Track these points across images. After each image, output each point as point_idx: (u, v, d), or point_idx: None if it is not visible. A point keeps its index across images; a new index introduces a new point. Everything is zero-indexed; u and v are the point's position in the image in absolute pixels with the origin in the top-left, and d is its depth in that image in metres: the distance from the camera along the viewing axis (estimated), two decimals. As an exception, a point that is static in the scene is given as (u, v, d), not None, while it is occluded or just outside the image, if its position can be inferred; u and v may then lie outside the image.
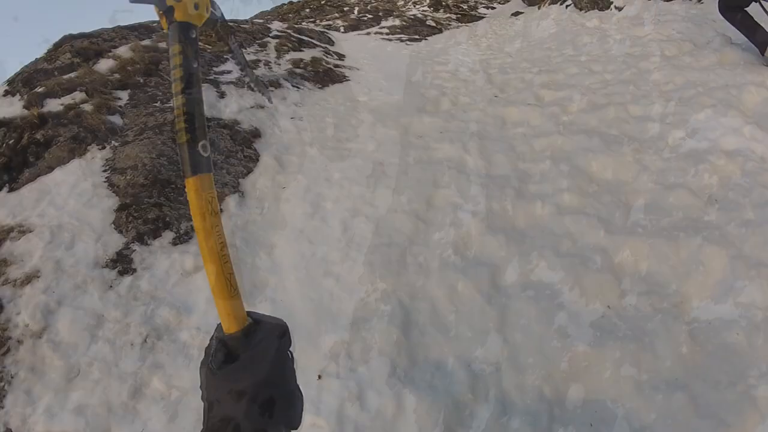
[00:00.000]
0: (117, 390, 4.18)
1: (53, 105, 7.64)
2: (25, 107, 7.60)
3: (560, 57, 11.08)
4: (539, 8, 17.83)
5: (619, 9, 12.77)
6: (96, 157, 6.64)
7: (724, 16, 7.83)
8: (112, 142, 6.96)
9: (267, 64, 10.85)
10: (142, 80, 8.65)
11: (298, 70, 10.87)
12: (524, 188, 6.17)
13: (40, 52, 9.70)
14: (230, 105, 8.42)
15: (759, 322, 3.97)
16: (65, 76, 8.49)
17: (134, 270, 5.20)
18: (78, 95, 7.87)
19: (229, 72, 9.72)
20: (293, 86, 9.87)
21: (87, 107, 7.54)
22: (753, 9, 7.46)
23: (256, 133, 7.96)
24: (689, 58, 8.55)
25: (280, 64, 11.01)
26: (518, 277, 4.93)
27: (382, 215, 6.00)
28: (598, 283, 4.64)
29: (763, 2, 7.14)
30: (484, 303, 4.71)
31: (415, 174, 6.74)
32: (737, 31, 7.88)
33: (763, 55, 7.41)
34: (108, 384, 4.22)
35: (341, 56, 12.56)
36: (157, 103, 8.04)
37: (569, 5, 15.18)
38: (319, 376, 4.26)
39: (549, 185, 6.07)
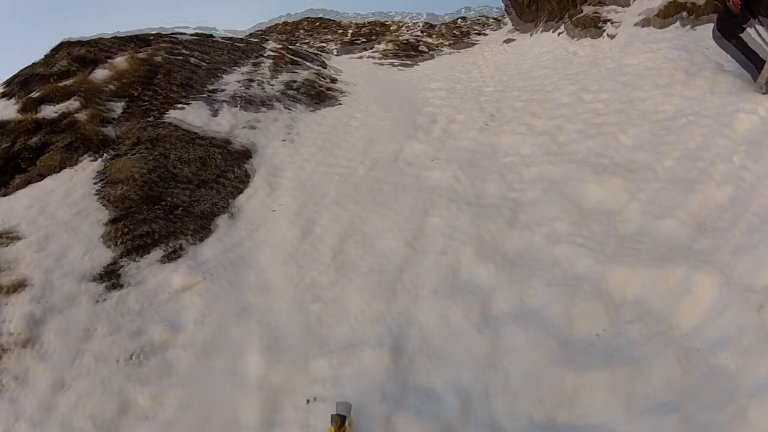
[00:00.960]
0: (103, 406, 4.17)
1: (48, 111, 7.68)
2: (20, 111, 7.59)
3: (551, 85, 11.08)
4: (531, 35, 17.91)
5: (612, 37, 12.69)
6: (88, 168, 6.67)
7: (717, 43, 7.84)
8: (105, 154, 6.96)
9: (260, 84, 10.89)
10: (137, 92, 8.66)
11: (291, 92, 10.99)
12: (514, 217, 6.15)
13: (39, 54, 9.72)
14: (223, 124, 8.45)
15: (746, 346, 3.95)
16: (61, 83, 8.58)
17: (122, 286, 5.21)
18: (73, 104, 7.93)
19: (223, 90, 9.72)
20: (285, 107, 9.97)
21: (81, 116, 7.58)
22: (746, 36, 7.47)
23: (248, 153, 8.06)
24: (680, 87, 8.53)
25: (273, 85, 11.09)
26: (508, 305, 4.89)
27: (372, 241, 5.99)
28: (588, 310, 4.62)
29: (759, 29, 7.18)
30: (473, 330, 4.69)
31: (406, 201, 6.76)
32: (730, 57, 7.89)
33: (755, 81, 7.37)
34: (94, 399, 4.21)
35: (334, 79, 12.63)
36: (150, 117, 8.05)
37: (561, 32, 15.21)
38: (308, 401, 4.22)
39: (539, 214, 6.05)
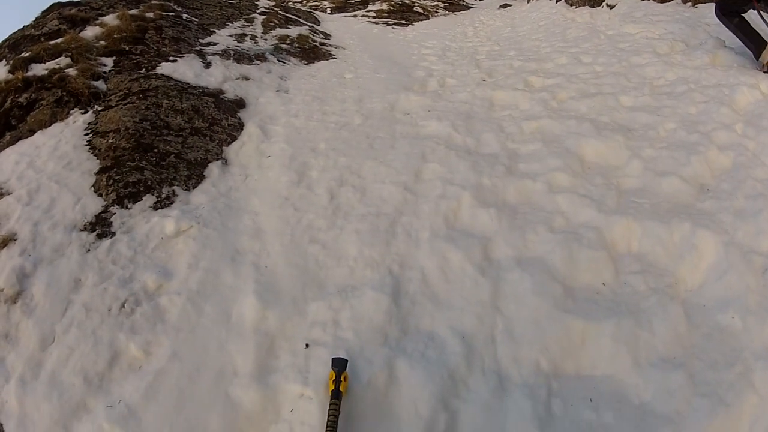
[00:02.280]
0: (93, 358, 4.05)
1: (38, 69, 7.62)
2: (10, 71, 7.51)
3: (549, 48, 11.10)
4: (528, 1, 17.89)
5: (611, 6, 12.74)
6: (78, 120, 6.59)
7: (720, 20, 7.82)
8: (95, 106, 6.85)
9: (254, 38, 10.93)
10: (127, 48, 8.63)
11: (284, 46, 11.06)
12: (514, 166, 6.12)
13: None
14: (216, 75, 8.43)
15: (751, 308, 3.92)
16: (51, 42, 8.54)
17: (113, 233, 5.11)
18: (63, 60, 7.88)
19: (215, 45, 9.68)
20: (279, 60, 9.98)
21: (71, 72, 7.51)
22: (749, 15, 7.51)
23: (241, 103, 8.03)
24: (681, 57, 8.57)
25: (266, 39, 11.16)
26: (511, 250, 4.83)
27: (369, 186, 5.93)
28: (592, 259, 4.58)
29: (762, 12, 7.14)
30: (476, 274, 4.61)
31: (403, 148, 6.71)
32: (732, 35, 7.90)
33: (757, 59, 7.42)
34: (84, 352, 4.09)
35: (327, 35, 12.66)
36: (142, 70, 7.98)
37: (559, 0, 15.11)
38: (307, 345, 4.11)
39: (539, 165, 6.02)
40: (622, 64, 8.81)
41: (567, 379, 3.76)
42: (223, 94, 8.10)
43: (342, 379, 3.61)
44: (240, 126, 7.38)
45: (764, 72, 7.27)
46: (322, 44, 11.80)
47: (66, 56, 7.96)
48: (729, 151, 5.71)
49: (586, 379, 3.72)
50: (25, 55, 8.04)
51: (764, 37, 7.34)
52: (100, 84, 7.43)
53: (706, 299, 4.11)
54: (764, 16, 7.14)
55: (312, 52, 11.20)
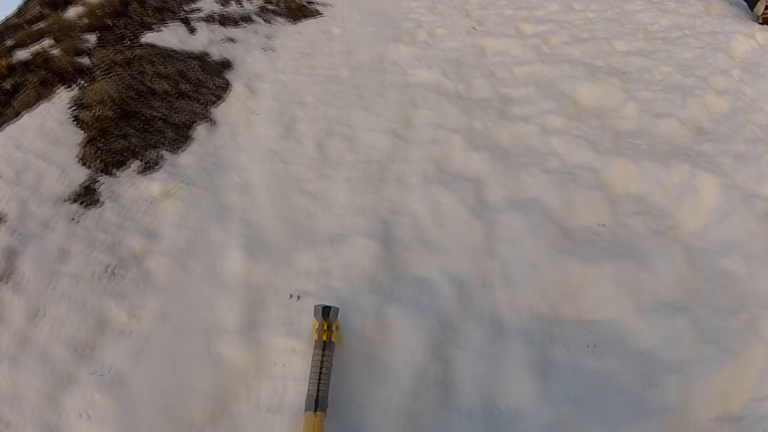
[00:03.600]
0: (82, 327, 3.96)
1: (22, 54, 7.51)
2: (-6, 62, 7.45)
3: None
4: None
5: None
6: (63, 97, 6.49)
7: None
8: (80, 81, 6.78)
9: (239, 1, 10.76)
10: (111, 22, 8.50)
11: (270, 7, 10.89)
12: (507, 110, 6.08)
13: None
14: (201, 39, 8.30)
15: (756, 253, 3.94)
16: (34, 27, 8.42)
17: (100, 202, 5.02)
18: (47, 42, 7.77)
19: (200, 10, 9.59)
20: (265, 21, 9.89)
21: (55, 51, 7.39)
22: None
23: (227, 64, 7.88)
24: (675, 4, 8.67)
25: (251, 2, 10.97)
26: (505, 191, 4.76)
27: (358, 134, 5.85)
28: (589, 199, 4.54)
29: None
30: (469, 216, 4.52)
31: (393, 96, 6.62)
32: None
33: (752, 11, 7.60)
34: (70, 322, 3.99)
35: None
36: (126, 42, 7.87)
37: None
38: (291, 296, 4.02)
39: (533, 108, 5.98)
40: (615, 10, 8.84)
41: (567, 324, 3.69)
42: (209, 56, 7.99)
43: (334, 329, 3.53)
44: (227, 86, 7.28)
45: (759, 23, 7.43)
46: (309, 2, 11.64)
47: (49, 38, 7.92)
48: (727, 95, 5.74)
49: (587, 324, 3.65)
50: (9, 43, 7.98)
51: None
52: (84, 60, 7.35)
53: (709, 243, 4.10)
54: None
55: (299, 10, 11.06)
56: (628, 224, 4.30)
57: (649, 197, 4.54)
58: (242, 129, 6.19)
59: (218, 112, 6.57)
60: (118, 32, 8.19)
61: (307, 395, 3.16)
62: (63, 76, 6.83)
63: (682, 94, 5.77)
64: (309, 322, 3.71)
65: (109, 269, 4.35)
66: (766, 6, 7.39)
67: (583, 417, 3.20)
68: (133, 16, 8.83)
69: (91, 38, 7.90)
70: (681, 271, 3.84)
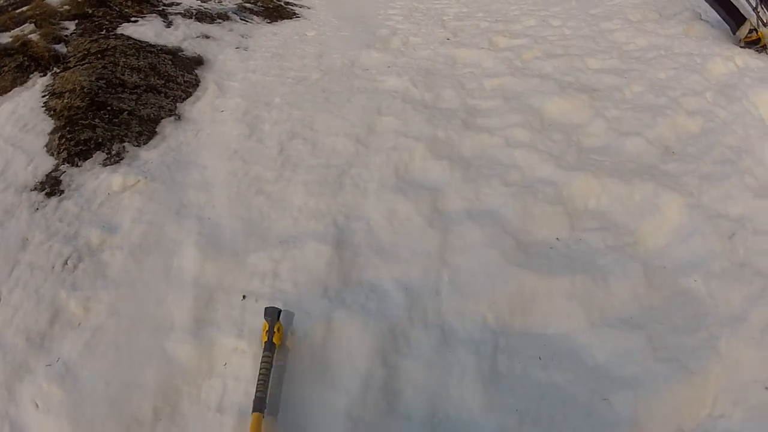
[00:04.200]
0: (36, 317, 3.91)
1: (3, 38, 7.54)
2: (-26, 46, 7.46)
3: (518, 10, 11.03)
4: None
5: None
6: (37, 83, 6.53)
7: None
8: (54, 68, 6.79)
9: None
10: (91, 11, 8.56)
11: (248, 5, 10.96)
12: (472, 121, 6.06)
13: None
14: (176, 34, 8.34)
15: (717, 273, 3.93)
16: (17, 11, 8.45)
17: (62, 191, 5.01)
18: (27, 27, 7.84)
19: (178, 4, 9.63)
20: (242, 19, 9.93)
21: (34, 37, 7.45)
22: None
23: (199, 60, 7.91)
24: (654, 25, 8.65)
25: None
26: (463, 201, 4.75)
27: (321, 138, 5.86)
28: (548, 213, 4.52)
29: None
30: (424, 225, 4.53)
31: (359, 102, 6.61)
32: (710, 9, 7.98)
33: (734, 34, 7.52)
34: (27, 311, 3.95)
35: None
36: (103, 31, 7.92)
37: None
38: (244, 296, 4.00)
39: (498, 120, 5.98)
40: (591, 28, 8.83)
41: (515, 335, 3.66)
42: (182, 51, 8.01)
43: (275, 330, 3.53)
44: (197, 82, 7.29)
45: (741, 47, 7.36)
46: (287, 3, 11.69)
47: (30, 23, 7.93)
48: (698, 116, 5.74)
49: (537, 336, 3.63)
50: (-9, 28, 8.00)
51: (744, 13, 7.40)
52: (60, 47, 7.38)
53: (668, 261, 4.10)
54: None
55: (276, 11, 11.10)
56: (585, 240, 4.29)
57: (609, 214, 4.54)
58: (207, 126, 6.19)
59: (185, 108, 6.56)
60: (97, 21, 8.24)
61: (254, 396, 3.17)
62: (39, 62, 6.88)
63: (652, 113, 5.77)
64: (258, 323, 3.69)
65: (65, 259, 4.33)
66: (750, 29, 7.37)
67: (529, 428, 3.19)
68: (113, 6, 8.92)
69: (71, 26, 8.01)
70: (637, 288, 3.84)
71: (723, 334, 3.49)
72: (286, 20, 10.54)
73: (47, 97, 6.24)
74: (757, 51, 7.32)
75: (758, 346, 3.42)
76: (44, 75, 6.71)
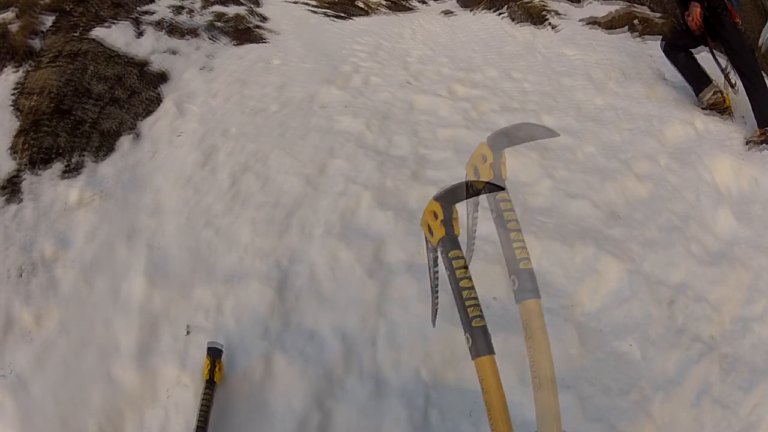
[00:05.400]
0: (-12, 325, 4.02)
1: None
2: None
3: (482, 60, 11.01)
4: (473, 13, 17.78)
5: (554, 28, 12.55)
6: (9, 78, 6.50)
7: (666, 56, 7.83)
8: (28, 65, 6.79)
9: (191, 12, 10.78)
10: (69, 7, 8.52)
11: (219, 24, 10.87)
12: (421, 172, 6.08)
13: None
14: (145, 45, 8.37)
15: (653, 338, 4.00)
16: None
17: (21, 199, 5.04)
18: (9, 15, 7.78)
19: (153, 13, 9.69)
20: (209, 38, 9.91)
21: (14, 27, 7.42)
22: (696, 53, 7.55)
23: (164, 77, 7.95)
24: (615, 85, 8.54)
25: (203, 15, 10.97)
26: (404, 254, 4.77)
27: (273, 175, 5.88)
28: (486, 273, 4.48)
29: (714, 50, 7.28)
30: (364, 275, 4.57)
31: (313, 141, 6.63)
32: (676, 72, 7.89)
33: (697, 96, 7.47)
34: (-21, 319, 4.05)
35: (265, 18, 12.52)
36: (76, 32, 7.90)
37: (504, 15, 15.06)
38: (188, 330, 4.10)
39: (446, 173, 5.93)
40: (552, 84, 8.78)
41: (447, 389, 3.73)
42: (148, 65, 8.02)
43: (216, 369, 3.60)
44: (158, 100, 7.32)
45: (703, 109, 7.36)
46: (257, 27, 11.62)
47: (12, 11, 7.90)
48: (648, 181, 5.74)
49: (468, 392, 3.65)
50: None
51: (709, 76, 7.40)
52: (36, 42, 7.37)
53: (604, 324, 4.14)
54: (716, 55, 7.22)
55: (245, 33, 11.09)
56: None
57: (547, 275, 4.55)
58: (164, 148, 6.25)
59: (145, 125, 6.65)
60: (73, 20, 8.25)
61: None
62: (14, 55, 6.89)
63: (601, 176, 5.76)
64: (199, 355, 3.78)
65: (20, 269, 4.37)
66: (714, 92, 7.32)
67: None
68: (92, 5, 8.87)
69: (48, 20, 7.96)
70: (570, 350, 3.89)
71: (656, 396, 3.57)
72: (253, 44, 10.54)
73: (17, 95, 6.25)
74: (720, 113, 7.32)
75: (692, 408, 3.55)
76: (17, 70, 6.71)
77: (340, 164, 6.10)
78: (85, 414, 3.53)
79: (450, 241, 2.29)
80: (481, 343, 2.13)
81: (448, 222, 2.31)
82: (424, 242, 2.55)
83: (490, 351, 2.12)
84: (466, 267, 2.21)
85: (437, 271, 2.59)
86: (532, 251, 4.45)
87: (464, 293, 2.14)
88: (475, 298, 2.15)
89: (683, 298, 4.37)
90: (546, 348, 2.21)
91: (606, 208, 5.37)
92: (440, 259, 2.39)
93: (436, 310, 2.79)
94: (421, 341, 3.98)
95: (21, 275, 4.37)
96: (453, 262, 2.22)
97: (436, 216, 2.32)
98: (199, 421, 3.34)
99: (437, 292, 2.71)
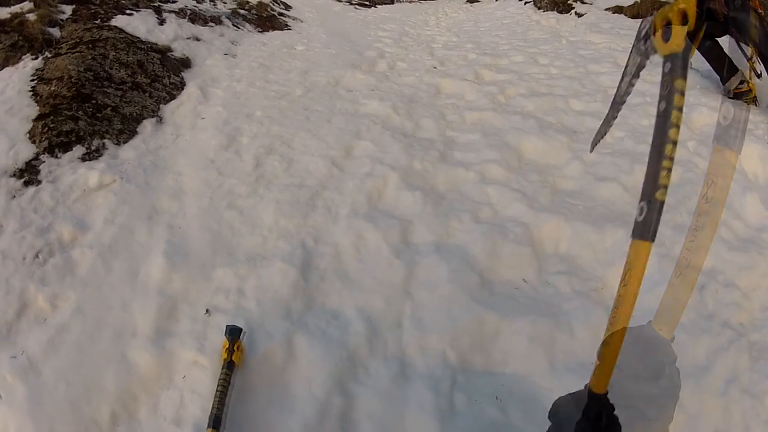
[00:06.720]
0: (4, 307, 3.91)
1: (2, 13, 7.51)
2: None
3: (508, 45, 11.03)
4: (497, 0, 17.77)
5: (580, 15, 12.65)
6: (28, 66, 6.54)
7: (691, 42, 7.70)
8: (46, 52, 6.79)
9: (213, 0, 10.75)
10: None
11: (242, 11, 11.05)
12: (449, 153, 6.07)
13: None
14: (167, 32, 8.41)
15: (684, 322, 3.80)
16: None
17: (39, 182, 5.02)
18: (26, 5, 7.89)
19: (174, 2, 9.68)
20: (234, 25, 9.98)
21: (31, 17, 7.45)
22: (724, 41, 7.42)
23: (186, 63, 8.00)
24: (643, 71, 8.40)
25: (225, 3, 11.15)
26: (431, 235, 4.74)
27: (297, 157, 5.87)
28: (516, 254, 4.47)
29: (740, 41, 7.13)
30: (391, 256, 4.51)
31: (339, 123, 6.66)
32: (702, 59, 7.66)
33: (724, 84, 7.37)
34: (-3, 300, 3.98)
35: (288, 6, 12.65)
36: (97, 20, 7.92)
37: (528, 2, 15.15)
38: (207, 311, 4.00)
39: (475, 155, 5.95)
40: (578, 69, 8.74)
41: (474, 373, 3.62)
42: (171, 52, 8.07)
43: (236, 348, 3.50)
44: (181, 85, 7.37)
45: (729, 98, 7.17)
46: (281, 14, 11.79)
47: (30, 1, 7.94)
48: (677, 165, 5.36)
49: (496, 376, 3.59)
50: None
51: (736, 64, 7.21)
52: (55, 31, 7.46)
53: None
54: (741, 45, 7.15)
55: (268, 20, 11.21)
56: (551, 283, 4.24)
57: (578, 259, 4.47)
58: (187, 132, 6.21)
59: (167, 109, 6.63)
60: (93, 9, 8.31)
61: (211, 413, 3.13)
62: (32, 44, 6.94)
63: (630, 159, 5.66)
64: (218, 338, 3.69)
65: (36, 252, 4.31)
66: (741, 80, 7.17)
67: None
68: (111, -6, 8.86)
69: (67, 10, 8.08)
70: (601, 334, 3.66)
71: (686, 384, 3.31)
72: (277, 31, 10.63)
73: (36, 81, 6.26)
74: (746, 103, 7.09)
75: (721, 396, 3.43)
76: (36, 58, 6.74)
77: (367, 146, 6.10)
78: (98, 397, 3.46)
79: (683, 65, 1.46)
80: (652, 222, 1.50)
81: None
82: (635, 41, 1.83)
83: (653, 237, 1.50)
84: (681, 109, 1.41)
85: (633, 85, 2.00)
86: (563, 233, 4.55)
87: (666, 148, 1.42)
88: (672, 160, 1.42)
89: (714, 284, 4.26)
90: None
91: (635, 192, 5.05)
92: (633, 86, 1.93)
93: (604, 135, 2.28)
94: (449, 323, 3.87)
95: (37, 258, 4.31)
96: (675, 96, 1.42)
97: (685, 18, 1.51)
98: (216, 401, 3.23)
99: (619, 110, 2.14)
